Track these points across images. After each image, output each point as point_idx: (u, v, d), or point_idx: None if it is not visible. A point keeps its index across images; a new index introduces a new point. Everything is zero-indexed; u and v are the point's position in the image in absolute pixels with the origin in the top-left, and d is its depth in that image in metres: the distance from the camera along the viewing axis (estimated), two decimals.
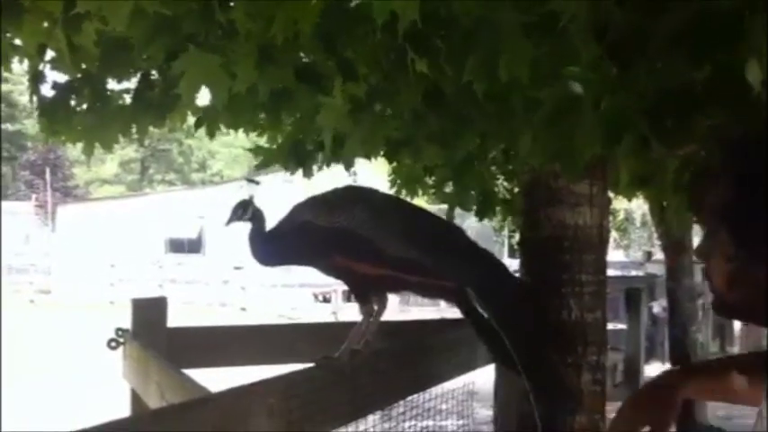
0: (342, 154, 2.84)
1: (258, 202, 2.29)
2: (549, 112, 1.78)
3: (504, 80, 1.80)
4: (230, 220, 2.31)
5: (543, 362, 2.29)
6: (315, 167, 3.58)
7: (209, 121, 3.10)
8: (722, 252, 1.17)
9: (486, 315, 2.18)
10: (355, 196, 2.26)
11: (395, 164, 3.92)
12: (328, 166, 3.41)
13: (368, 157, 3.45)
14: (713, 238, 1.19)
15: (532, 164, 2.43)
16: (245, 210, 2.28)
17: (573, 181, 2.97)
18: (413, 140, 2.82)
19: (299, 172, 3.56)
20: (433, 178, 4.10)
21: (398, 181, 4.04)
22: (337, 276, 2.30)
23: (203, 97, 2.66)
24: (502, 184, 4.49)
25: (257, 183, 2.65)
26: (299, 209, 2.26)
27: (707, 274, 1.25)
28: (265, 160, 3.56)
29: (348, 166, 3.21)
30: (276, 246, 2.27)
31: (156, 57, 2.28)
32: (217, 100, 2.17)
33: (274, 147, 3.61)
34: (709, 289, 1.24)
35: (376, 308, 2.22)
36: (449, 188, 4.12)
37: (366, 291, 2.22)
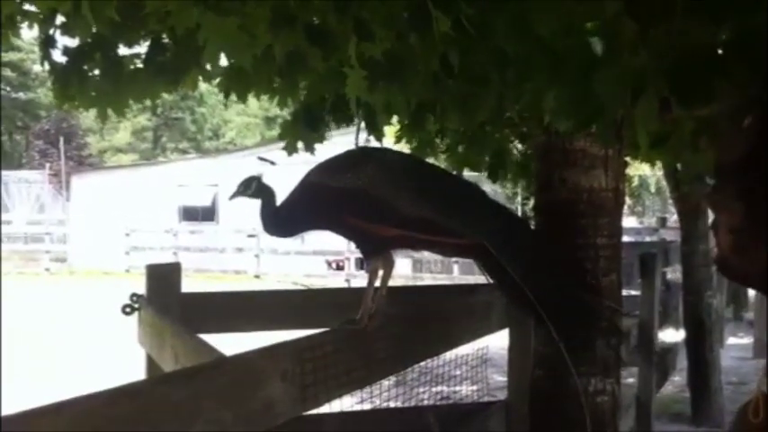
0: (373, 124, 2.81)
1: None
2: (571, 69, 1.75)
3: (541, 39, 1.77)
4: (234, 195, 2.29)
5: (571, 313, 2.29)
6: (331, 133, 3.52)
7: (230, 85, 3.06)
8: (725, 220, 1.05)
9: (508, 269, 2.17)
10: (367, 156, 2.23)
11: (400, 126, 3.88)
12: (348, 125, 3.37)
13: (388, 122, 3.41)
14: (722, 197, 1.06)
15: (559, 128, 2.40)
16: (249, 186, 2.26)
17: (608, 146, 2.93)
18: (435, 105, 2.78)
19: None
20: (446, 141, 4.06)
21: (408, 144, 4.00)
22: (349, 237, 2.28)
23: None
24: (515, 146, 4.45)
25: (272, 163, 2.64)
26: (310, 173, 2.24)
27: (713, 229, 1.11)
28: (283, 132, 3.51)
29: (379, 137, 3.16)
30: (288, 215, 2.25)
31: (175, 20, 2.24)
32: (242, 62, 2.13)
33: (288, 116, 3.56)
34: (716, 245, 1.11)
35: (382, 271, 2.20)
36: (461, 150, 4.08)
37: (375, 250, 2.20)
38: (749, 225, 1.01)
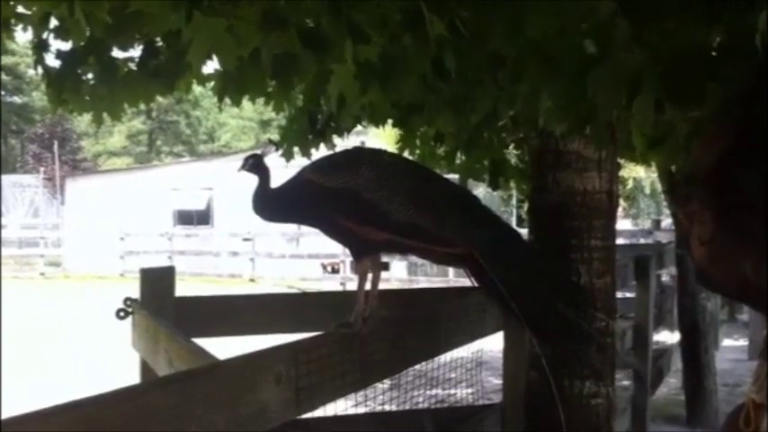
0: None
1: None
2: (565, 70, 1.75)
3: (535, 40, 1.77)
4: (241, 168, 2.30)
5: (554, 329, 2.29)
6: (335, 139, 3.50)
7: (223, 88, 3.05)
8: (697, 230, 1.01)
9: (495, 280, 2.16)
10: (361, 157, 2.21)
11: (401, 133, 3.86)
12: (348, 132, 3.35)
13: (378, 123, 3.39)
14: (693, 207, 1.01)
15: (553, 131, 2.41)
16: (249, 160, 2.27)
17: (602, 147, 2.93)
18: (424, 106, 2.78)
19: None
20: (444, 148, 4.05)
21: (407, 150, 3.99)
22: (337, 238, 2.27)
23: (209, 66, 2.64)
24: (513, 152, 4.45)
25: (276, 147, 2.64)
26: (305, 169, 2.24)
27: (686, 243, 1.06)
28: (282, 139, 3.50)
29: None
30: (278, 202, 2.24)
31: (164, 22, 2.23)
32: (227, 65, 2.13)
33: (289, 123, 3.53)
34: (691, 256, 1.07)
35: (371, 273, 2.20)
36: (459, 159, 4.08)
37: (365, 252, 2.20)
38: (720, 236, 0.99)
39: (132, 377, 2.72)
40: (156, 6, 2.07)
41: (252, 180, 2.28)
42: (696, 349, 7.06)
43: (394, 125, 3.49)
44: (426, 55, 2.07)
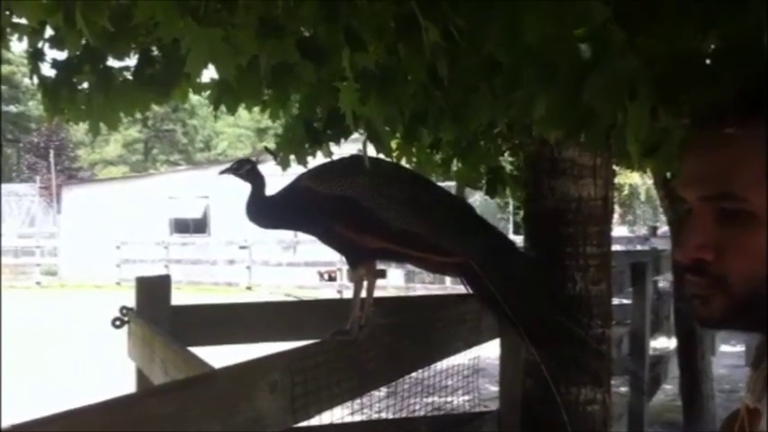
0: (376, 139, 2.79)
1: None
2: (562, 76, 1.75)
3: (531, 44, 1.77)
4: (225, 171, 2.28)
5: (550, 336, 2.29)
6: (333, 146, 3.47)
7: (218, 96, 3.04)
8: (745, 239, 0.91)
9: (491, 289, 2.17)
10: (359, 165, 2.20)
11: (397, 141, 3.85)
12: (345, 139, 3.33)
13: (381, 140, 3.37)
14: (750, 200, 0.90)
15: (547, 137, 2.40)
16: (242, 167, 2.25)
17: (596, 152, 2.93)
18: (426, 115, 2.77)
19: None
20: (440, 155, 4.05)
21: (407, 162, 3.98)
22: (333, 245, 2.27)
23: (204, 74, 2.63)
24: (508, 159, 4.45)
25: (275, 156, 2.63)
26: (302, 176, 2.23)
27: (691, 267, 0.96)
28: (278, 147, 3.48)
29: (386, 152, 3.13)
30: (274, 209, 2.23)
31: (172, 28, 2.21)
32: (225, 74, 2.12)
33: (285, 131, 3.52)
34: (704, 285, 0.95)
35: (367, 281, 2.20)
36: (455, 166, 4.08)
37: (361, 259, 2.20)
38: None
39: (128, 386, 2.71)
40: (162, 13, 2.06)
41: (248, 188, 2.28)
42: (693, 355, 7.06)
43: (402, 137, 3.46)
44: (422, 63, 2.06)
